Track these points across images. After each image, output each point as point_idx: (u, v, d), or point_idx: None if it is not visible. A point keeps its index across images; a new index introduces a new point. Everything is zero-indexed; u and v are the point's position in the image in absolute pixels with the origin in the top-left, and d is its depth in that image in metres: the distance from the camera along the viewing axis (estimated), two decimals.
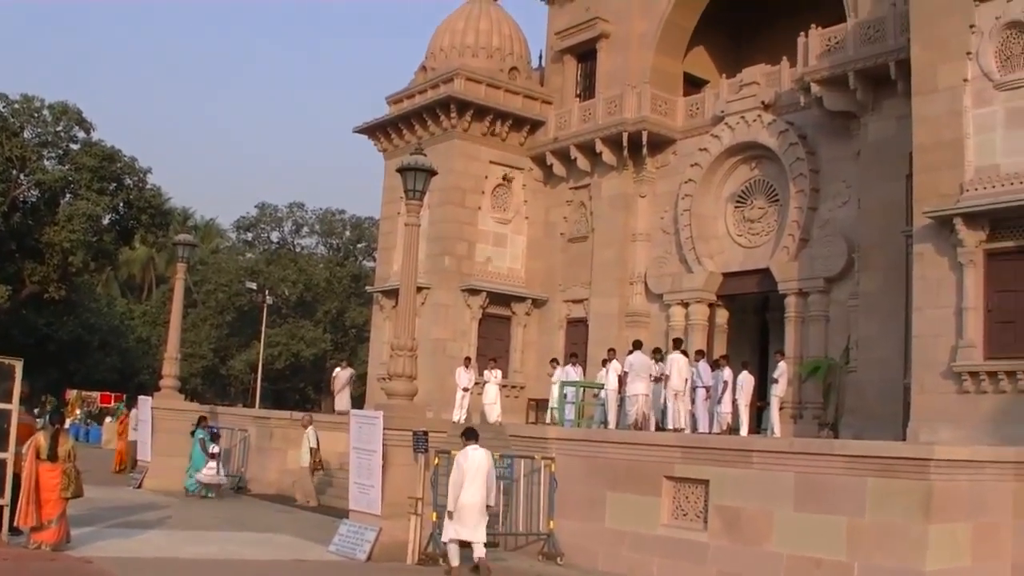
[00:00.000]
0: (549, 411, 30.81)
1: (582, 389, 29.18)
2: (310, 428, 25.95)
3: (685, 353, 26.79)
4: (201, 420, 26.69)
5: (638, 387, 25.75)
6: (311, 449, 25.55)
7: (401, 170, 18.85)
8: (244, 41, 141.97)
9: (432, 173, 19.01)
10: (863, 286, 27.30)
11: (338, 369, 34.11)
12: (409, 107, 37.71)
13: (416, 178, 18.62)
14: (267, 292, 60.50)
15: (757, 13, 36.53)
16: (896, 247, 25.72)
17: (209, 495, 25.30)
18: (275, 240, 73.34)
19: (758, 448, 16.09)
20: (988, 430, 20.09)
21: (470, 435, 16.78)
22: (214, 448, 25.89)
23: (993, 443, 18.60)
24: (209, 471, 25.65)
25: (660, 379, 25.87)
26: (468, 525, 16.11)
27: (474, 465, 16.18)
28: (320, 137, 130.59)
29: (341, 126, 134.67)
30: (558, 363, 30.99)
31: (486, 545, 16.34)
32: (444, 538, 16.33)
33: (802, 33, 29.18)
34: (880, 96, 27.39)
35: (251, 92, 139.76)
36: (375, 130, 39.58)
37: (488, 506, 16.45)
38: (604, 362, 28.00)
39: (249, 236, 73.67)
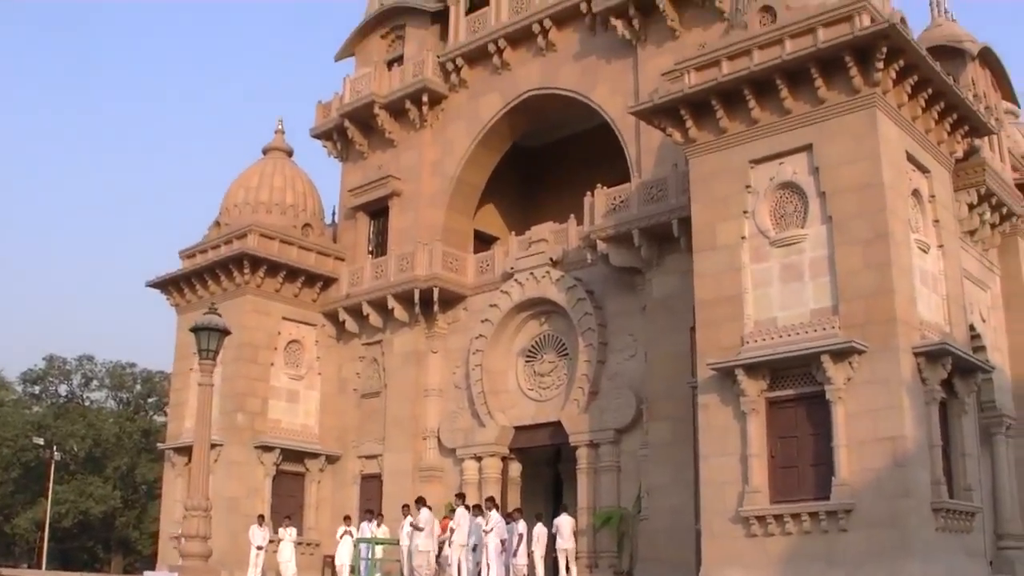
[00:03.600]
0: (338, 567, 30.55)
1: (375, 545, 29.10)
2: None
3: (477, 508, 26.75)
4: None
5: (427, 543, 25.91)
6: None
7: (195, 329, 18.93)
8: (30, 181, 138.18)
9: (226, 333, 19.18)
10: (652, 436, 27.94)
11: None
12: (202, 262, 37.31)
13: (210, 338, 18.76)
14: (55, 447, 58.75)
15: (546, 171, 37.75)
16: (683, 397, 26.36)
17: None
18: (63, 393, 71.72)
19: None
20: (778, 571, 20.72)
21: None
22: None
23: None
24: None
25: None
26: None
27: None
28: (112, 288, 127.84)
29: (133, 277, 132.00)
30: (350, 520, 30.82)
31: None
32: None
33: (588, 192, 30.09)
34: (664, 252, 28.35)
35: (42, 238, 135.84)
36: (167, 284, 38.89)
37: None
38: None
39: (36, 389, 71.86)
